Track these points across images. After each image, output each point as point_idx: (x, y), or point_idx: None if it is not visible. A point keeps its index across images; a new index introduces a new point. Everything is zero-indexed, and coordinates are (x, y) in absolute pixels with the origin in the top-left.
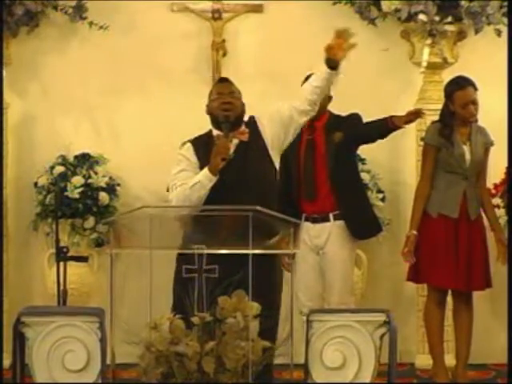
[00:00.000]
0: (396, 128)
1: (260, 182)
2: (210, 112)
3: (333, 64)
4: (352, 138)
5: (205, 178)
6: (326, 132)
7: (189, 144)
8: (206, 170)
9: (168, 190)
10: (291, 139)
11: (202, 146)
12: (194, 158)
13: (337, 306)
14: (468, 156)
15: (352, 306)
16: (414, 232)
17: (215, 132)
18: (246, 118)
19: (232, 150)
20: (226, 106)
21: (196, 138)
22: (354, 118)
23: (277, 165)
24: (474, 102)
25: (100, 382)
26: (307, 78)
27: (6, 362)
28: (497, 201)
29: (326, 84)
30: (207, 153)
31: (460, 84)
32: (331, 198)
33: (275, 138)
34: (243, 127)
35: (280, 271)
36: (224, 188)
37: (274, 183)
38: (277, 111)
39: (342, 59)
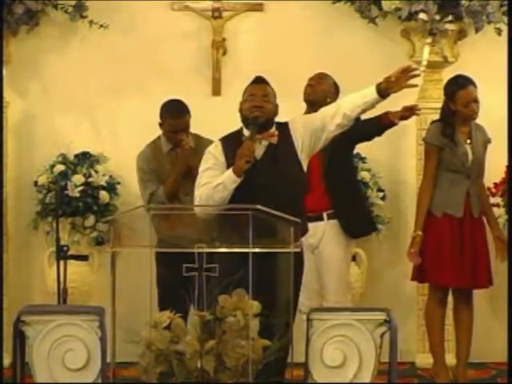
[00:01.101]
0: (391, 124)
1: (288, 185)
2: (240, 112)
3: (383, 93)
4: (349, 135)
5: (228, 179)
6: None
7: (218, 142)
8: (230, 171)
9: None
10: (321, 147)
11: (232, 145)
12: (221, 157)
13: (334, 305)
14: (470, 155)
15: (349, 305)
16: (420, 233)
17: (246, 132)
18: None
19: (261, 151)
20: (256, 109)
21: (226, 137)
22: None
23: (305, 168)
24: (476, 100)
25: (100, 380)
26: None
27: (6, 361)
28: (497, 200)
29: (368, 107)
30: (235, 152)
31: (461, 83)
32: (326, 196)
33: (305, 144)
34: (273, 129)
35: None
36: (252, 189)
37: (302, 186)
38: (311, 118)
39: (395, 93)
